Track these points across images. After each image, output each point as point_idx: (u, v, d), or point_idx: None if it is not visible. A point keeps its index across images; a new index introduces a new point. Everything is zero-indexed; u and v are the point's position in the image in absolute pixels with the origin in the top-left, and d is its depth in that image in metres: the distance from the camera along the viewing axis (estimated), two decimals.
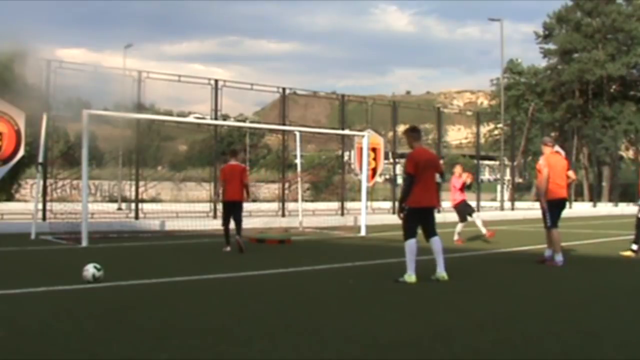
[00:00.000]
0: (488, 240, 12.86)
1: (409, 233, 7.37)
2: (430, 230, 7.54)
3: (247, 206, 14.15)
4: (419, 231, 7.50)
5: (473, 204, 27.26)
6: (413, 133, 7.82)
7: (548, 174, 9.19)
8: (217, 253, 11.28)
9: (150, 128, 25.72)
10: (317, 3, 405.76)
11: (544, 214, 9.38)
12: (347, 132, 20.11)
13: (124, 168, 28.33)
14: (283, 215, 19.47)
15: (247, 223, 13.44)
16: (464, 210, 13.25)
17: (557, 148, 9.97)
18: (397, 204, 7.90)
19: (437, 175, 7.75)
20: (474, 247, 12.08)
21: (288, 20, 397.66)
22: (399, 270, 7.42)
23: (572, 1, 48.25)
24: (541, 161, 9.51)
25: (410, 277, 7.24)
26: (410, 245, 7.33)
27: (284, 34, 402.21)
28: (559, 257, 9.13)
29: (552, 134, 44.14)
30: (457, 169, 13.59)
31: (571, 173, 9.70)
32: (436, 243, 7.48)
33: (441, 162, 8.37)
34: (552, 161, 9.40)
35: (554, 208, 9.30)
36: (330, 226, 17.58)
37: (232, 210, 11.23)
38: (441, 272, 7.40)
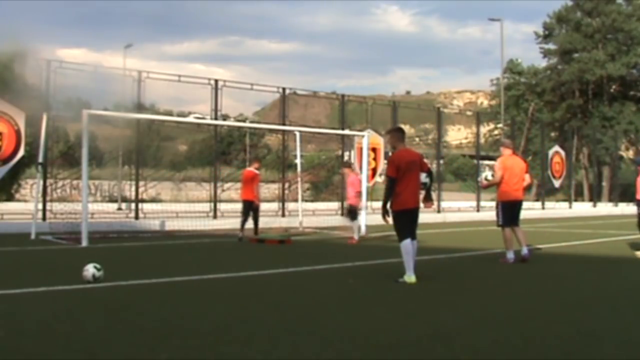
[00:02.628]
0: (348, 244, 12.73)
1: (402, 234, 7.37)
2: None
3: None
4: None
5: (468, 204, 27.40)
6: (398, 133, 7.78)
7: (502, 177, 9.54)
8: (217, 253, 11.30)
9: (150, 128, 25.75)
10: (318, 3, 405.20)
11: (497, 214, 9.70)
12: (347, 132, 20.11)
13: (124, 168, 28.34)
14: (283, 215, 19.48)
15: (247, 223, 13.47)
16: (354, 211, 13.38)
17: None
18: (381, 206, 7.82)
19: (424, 175, 7.70)
20: (473, 247, 12.08)
21: (289, 20, 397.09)
22: (399, 270, 7.42)
23: (572, 1, 48.28)
24: (497, 163, 9.85)
25: (410, 277, 7.25)
26: (406, 246, 7.32)
27: (285, 34, 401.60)
28: (510, 255, 9.44)
29: (552, 134, 44.23)
30: (346, 171, 13.95)
31: (527, 176, 9.97)
32: (413, 246, 7.42)
33: (426, 160, 8.32)
34: (508, 164, 9.71)
35: (505, 209, 9.60)
36: (330, 226, 17.58)
37: (249, 208, 13.38)
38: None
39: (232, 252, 11.37)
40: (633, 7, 46.13)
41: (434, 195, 9.41)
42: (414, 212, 7.48)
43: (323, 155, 44.60)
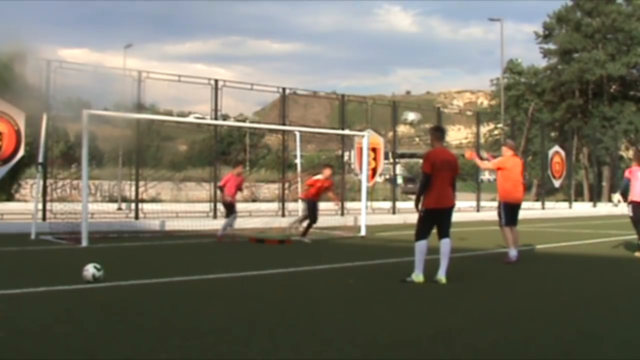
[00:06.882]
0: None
1: (420, 234, 7.32)
2: (443, 230, 7.44)
3: (247, 206, 14.29)
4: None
5: (467, 204, 27.35)
6: (436, 132, 7.79)
7: (494, 166, 9.92)
8: (217, 253, 11.29)
9: (150, 128, 25.71)
10: (321, 3, 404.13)
11: (499, 213, 9.84)
12: (347, 132, 20.10)
13: (124, 168, 28.32)
14: (283, 215, 19.45)
15: (247, 223, 13.46)
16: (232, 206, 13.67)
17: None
18: (412, 203, 7.89)
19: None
20: (473, 247, 12.07)
21: (291, 20, 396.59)
22: (400, 270, 7.42)
23: (572, 1, 48.28)
24: (500, 158, 10.03)
25: (418, 276, 7.22)
26: (420, 246, 7.28)
27: (287, 35, 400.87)
28: (512, 252, 9.49)
29: (552, 134, 44.23)
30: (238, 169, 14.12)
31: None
32: (445, 245, 7.38)
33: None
34: (510, 164, 9.81)
35: (508, 208, 9.74)
36: (330, 226, 17.57)
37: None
38: (440, 275, 7.30)
39: (232, 252, 11.36)
40: (633, 7, 46.14)
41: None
42: (443, 212, 7.40)
43: (323, 155, 44.56)
